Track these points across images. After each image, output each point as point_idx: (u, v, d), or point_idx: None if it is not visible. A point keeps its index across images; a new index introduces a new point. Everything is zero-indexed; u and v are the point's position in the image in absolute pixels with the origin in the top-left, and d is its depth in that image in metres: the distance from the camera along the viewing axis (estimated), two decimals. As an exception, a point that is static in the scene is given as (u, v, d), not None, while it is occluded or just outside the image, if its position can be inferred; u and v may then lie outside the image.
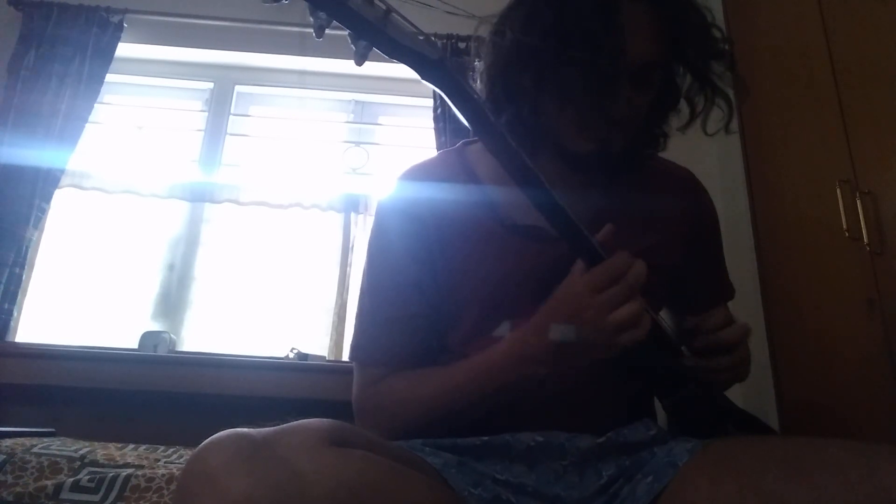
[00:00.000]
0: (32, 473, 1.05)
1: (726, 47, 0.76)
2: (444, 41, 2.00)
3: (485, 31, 0.80)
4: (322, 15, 0.52)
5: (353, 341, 0.83)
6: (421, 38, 0.56)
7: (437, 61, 0.57)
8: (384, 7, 0.53)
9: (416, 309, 0.79)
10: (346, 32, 0.54)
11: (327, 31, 0.53)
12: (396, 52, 0.56)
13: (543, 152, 0.77)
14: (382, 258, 0.83)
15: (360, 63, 0.55)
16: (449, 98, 0.60)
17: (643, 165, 0.84)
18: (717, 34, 0.75)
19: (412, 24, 0.55)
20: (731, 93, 0.77)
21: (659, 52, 0.72)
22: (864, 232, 1.23)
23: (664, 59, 0.73)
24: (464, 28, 1.97)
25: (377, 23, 0.53)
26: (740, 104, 1.69)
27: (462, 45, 2.00)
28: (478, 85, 0.80)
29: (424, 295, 0.80)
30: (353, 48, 0.54)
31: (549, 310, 0.66)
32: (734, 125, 0.78)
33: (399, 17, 0.55)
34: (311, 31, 0.52)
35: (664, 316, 0.88)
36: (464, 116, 0.60)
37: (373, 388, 0.79)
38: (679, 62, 0.76)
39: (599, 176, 0.81)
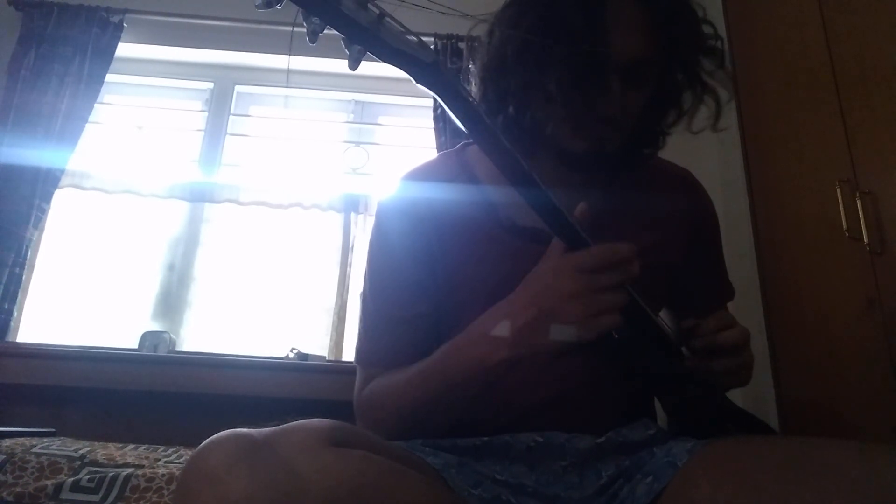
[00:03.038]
0: (32, 473, 1.05)
1: (717, 44, 0.75)
2: (444, 41, 1.99)
3: (480, 32, 0.80)
4: (315, 20, 0.52)
5: (357, 344, 0.83)
6: (415, 41, 0.56)
7: (430, 64, 0.57)
8: (377, 11, 0.53)
9: (420, 309, 0.79)
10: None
11: (326, 31, 0.53)
12: (390, 56, 0.55)
13: (541, 153, 0.76)
14: (384, 260, 0.83)
15: (353, 67, 0.54)
16: (443, 101, 0.59)
17: (643, 165, 0.83)
18: (709, 30, 0.74)
19: (406, 28, 0.55)
20: (724, 90, 0.77)
21: (650, 47, 0.71)
22: (864, 232, 1.23)
23: (656, 56, 0.72)
24: (464, 29, 1.97)
25: (371, 27, 0.53)
26: (738, 102, 1.71)
27: (461, 45, 2.00)
28: (472, 87, 0.79)
29: (427, 295, 0.79)
30: (347, 52, 0.54)
31: (525, 285, 0.64)
32: (723, 123, 0.76)
33: (392, 22, 0.54)
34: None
35: (664, 316, 0.87)
36: (458, 118, 0.60)
37: (368, 387, 0.79)
38: (670, 58, 0.74)
39: (599, 176, 0.80)
